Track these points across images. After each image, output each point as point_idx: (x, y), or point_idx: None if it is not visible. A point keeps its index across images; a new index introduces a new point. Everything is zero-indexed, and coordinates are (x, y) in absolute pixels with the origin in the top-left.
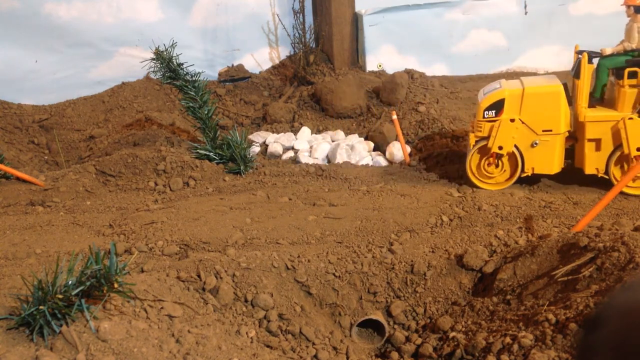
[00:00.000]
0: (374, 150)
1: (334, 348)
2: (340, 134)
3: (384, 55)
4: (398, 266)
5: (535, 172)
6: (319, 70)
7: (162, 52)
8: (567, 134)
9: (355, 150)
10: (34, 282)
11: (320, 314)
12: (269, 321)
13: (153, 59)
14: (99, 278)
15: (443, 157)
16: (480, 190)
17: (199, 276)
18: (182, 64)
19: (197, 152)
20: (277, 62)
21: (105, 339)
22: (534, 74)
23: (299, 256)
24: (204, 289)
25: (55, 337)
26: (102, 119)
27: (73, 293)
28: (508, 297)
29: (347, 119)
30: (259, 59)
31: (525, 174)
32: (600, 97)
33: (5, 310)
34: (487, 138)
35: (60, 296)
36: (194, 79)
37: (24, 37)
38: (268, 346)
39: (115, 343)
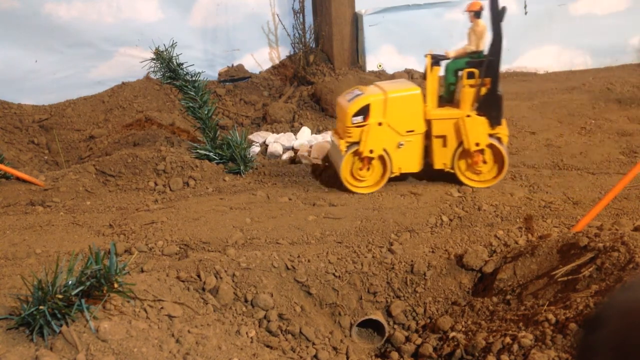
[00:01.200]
0: None
1: (334, 348)
2: None
3: (384, 55)
4: (398, 266)
5: (402, 171)
6: (319, 70)
7: (162, 52)
8: (425, 133)
9: None
10: (34, 282)
11: (320, 314)
12: (269, 321)
13: (153, 59)
14: (99, 278)
15: None
16: (480, 190)
17: (199, 276)
18: (182, 64)
19: (197, 152)
20: (277, 62)
21: (105, 339)
22: (534, 74)
23: (299, 256)
24: (204, 289)
25: (55, 337)
26: (102, 119)
27: (73, 293)
28: (508, 297)
29: None
30: (259, 59)
31: (393, 175)
32: (450, 98)
33: (5, 310)
34: (358, 143)
35: (60, 296)
36: (194, 79)
37: (24, 37)
38: (268, 346)
39: (115, 343)
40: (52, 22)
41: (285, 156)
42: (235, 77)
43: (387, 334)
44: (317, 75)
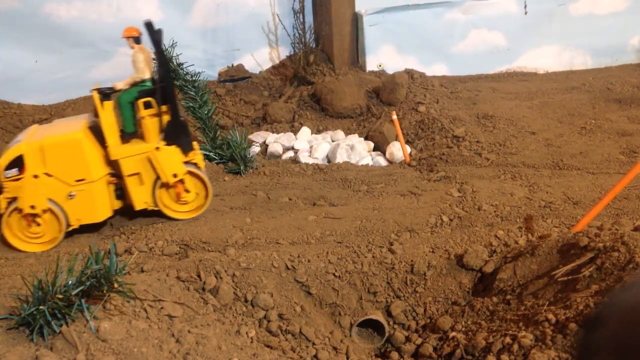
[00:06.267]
0: (374, 150)
1: (334, 348)
2: (340, 133)
3: (384, 55)
4: (398, 266)
5: (82, 222)
6: (319, 70)
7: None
8: (108, 177)
9: (355, 150)
10: (34, 282)
11: (320, 314)
12: (269, 321)
13: (153, 59)
14: (99, 278)
15: (443, 157)
16: (481, 190)
17: (199, 276)
18: (182, 64)
19: None
20: (277, 62)
21: (105, 338)
22: (534, 74)
23: (299, 256)
24: (204, 289)
25: (55, 337)
26: None
27: (73, 293)
28: (508, 297)
29: (347, 119)
30: (259, 59)
31: (72, 227)
32: (135, 131)
33: (5, 310)
34: (17, 199)
35: (60, 296)
36: (194, 78)
37: (24, 37)
38: (268, 346)
39: (115, 343)
40: (52, 22)
41: (285, 156)
42: (235, 77)
43: (387, 334)
44: (317, 75)
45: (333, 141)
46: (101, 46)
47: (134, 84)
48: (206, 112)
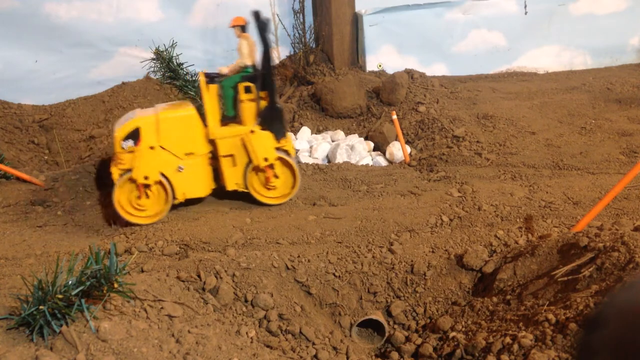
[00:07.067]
0: (374, 150)
1: (334, 348)
2: (340, 134)
3: (384, 55)
4: (398, 266)
5: (187, 196)
6: (319, 70)
7: (162, 52)
8: (210, 154)
9: (355, 150)
10: (34, 282)
11: (320, 314)
12: (269, 321)
13: (153, 59)
14: (99, 278)
15: (443, 157)
16: (481, 190)
17: (199, 276)
18: (182, 64)
19: None
20: (277, 62)
21: (105, 339)
22: (534, 74)
23: (299, 256)
24: (204, 289)
25: (55, 337)
26: (102, 119)
27: (73, 293)
28: (508, 297)
29: (347, 119)
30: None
31: (177, 201)
32: (235, 115)
33: (5, 310)
34: (131, 170)
35: (60, 296)
36: (194, 78)
37: (24, 37)
38: (268, 346)
39: (115, 343)
40: (52, 22)
41: None
42: None
43: (387, 334)
44: (317, 75)
45: (333, 141)
46: (101, 46)
47: (238, 70)
48: None
